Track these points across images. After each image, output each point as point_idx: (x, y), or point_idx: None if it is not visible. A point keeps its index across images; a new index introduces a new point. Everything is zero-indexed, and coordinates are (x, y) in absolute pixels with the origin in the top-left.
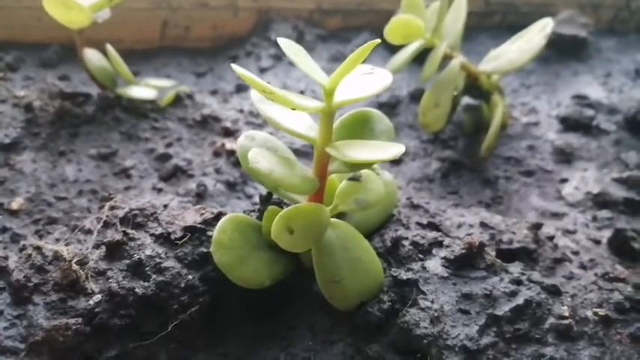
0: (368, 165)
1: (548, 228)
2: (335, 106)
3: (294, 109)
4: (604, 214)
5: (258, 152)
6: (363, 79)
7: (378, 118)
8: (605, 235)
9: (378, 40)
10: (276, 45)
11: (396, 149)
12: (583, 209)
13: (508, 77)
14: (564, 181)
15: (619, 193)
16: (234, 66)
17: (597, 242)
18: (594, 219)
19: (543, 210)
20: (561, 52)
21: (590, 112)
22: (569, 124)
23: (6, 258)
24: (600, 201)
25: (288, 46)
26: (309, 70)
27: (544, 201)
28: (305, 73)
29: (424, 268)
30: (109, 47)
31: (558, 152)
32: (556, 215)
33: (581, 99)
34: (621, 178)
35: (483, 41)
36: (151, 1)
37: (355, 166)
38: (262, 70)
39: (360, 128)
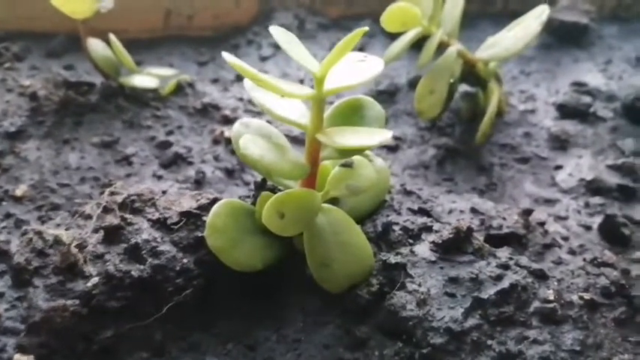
0: (357, 151)
1: (540, 214)
2: (325, 94)
3: (283, 96)
4: (596, 200)
5: (250, 139)
6: (355, 67)
7: (369, 105)
8: (597, 221)
9: (367, 28)
10: None
11: (382, 136)
12: (576, 196)
13: (509, 64)
14: (559, 167)
15: (612, 179)
16: (225, 54)
17: (588, 228)
18: (586, 205)
19: (537, 196)
20: (563, 38)
21: (587, 100)
22: (565, 111)
23: (8, 242)
24: (593, 187)
25: (280, 34)
26: (300, 58)
27: (538, 187)
28: (296, 61)
29: (413, 252)
30: (112, 37)
31: (554, 139)
32: (549, 201)
33: (579, 86)
34: (615, 165)
35: (485, 28)
36: None
37: (345, 152)
38: (263, 59)
39: (352, 115)
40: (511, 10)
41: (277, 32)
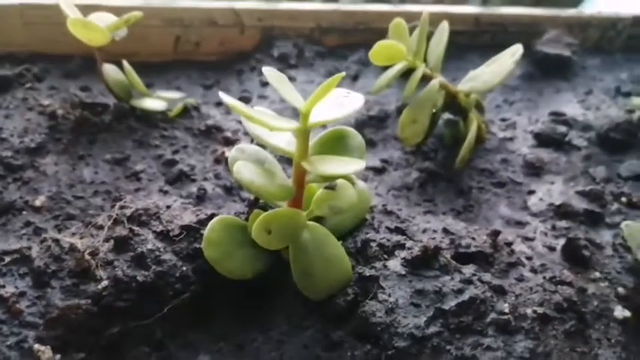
0: (337, 177)
1: (509, 235)
2: (309, 127)
3: (272, 130)
4: (563, 224)
5: (242, 165)
6: (338, 102)
7: (351, 135)
8: (561, 243)
9: (344, 74)
10: (278, 60)
11: (357, 165)
12: (544, 219)
13: (494, 93)
14: (531, 192)
15: (580, 204)
16: (222, 95)
17: (552, 249)
18: (553, 228)
19: (509, 218)
20: (546, 70)
21: (563, 129)
22: (542, 139)
23: (29, 248)
24: (561, 212)
25: (271, 74)
26: (288, 96)
27: (511, 210)
28: (284, 98)
29: (386, 266)
30: (125, 63)
31: (529, 166)
32: (519, 223)
33: (557, 116)
34: (584, 191)
35: (473, 59)
36: (165, 19)
37: (327, 177)
38: (264, 84)
39: (336, 144)
40: (498, 43)
41: (269, 73)
